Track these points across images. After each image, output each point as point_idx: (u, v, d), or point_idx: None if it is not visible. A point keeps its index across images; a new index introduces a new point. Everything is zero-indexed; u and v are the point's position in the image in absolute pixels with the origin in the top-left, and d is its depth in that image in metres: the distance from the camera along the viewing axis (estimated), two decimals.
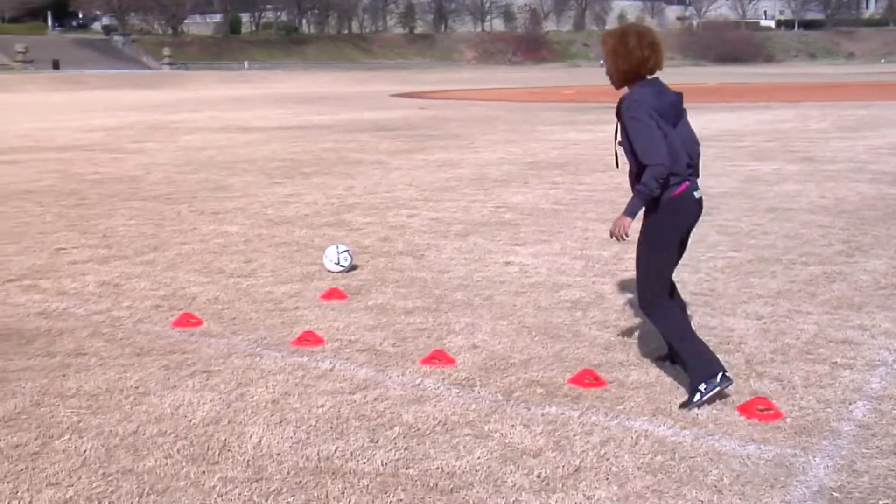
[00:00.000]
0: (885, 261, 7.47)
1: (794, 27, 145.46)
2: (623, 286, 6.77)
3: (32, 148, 18.81)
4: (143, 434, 4.17)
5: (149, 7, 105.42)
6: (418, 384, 4.78)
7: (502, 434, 4.14)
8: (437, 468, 3.81)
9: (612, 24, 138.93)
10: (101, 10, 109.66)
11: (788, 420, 4.26)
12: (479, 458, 3.90)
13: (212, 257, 7.97)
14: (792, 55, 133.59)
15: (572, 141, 18.75)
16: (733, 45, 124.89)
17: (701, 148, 4.66)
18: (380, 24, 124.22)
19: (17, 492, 3.62)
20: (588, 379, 4.74)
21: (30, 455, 3.95)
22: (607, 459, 3.88)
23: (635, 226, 4.50)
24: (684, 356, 4.54)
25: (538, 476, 3.73)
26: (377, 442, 4.06)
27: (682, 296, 6.42)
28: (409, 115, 28.86)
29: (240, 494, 3.59)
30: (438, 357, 5.12)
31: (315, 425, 4.25)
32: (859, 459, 3.87)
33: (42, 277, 7.29)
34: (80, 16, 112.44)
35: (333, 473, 3.77)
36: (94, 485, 3.67)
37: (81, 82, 64.11)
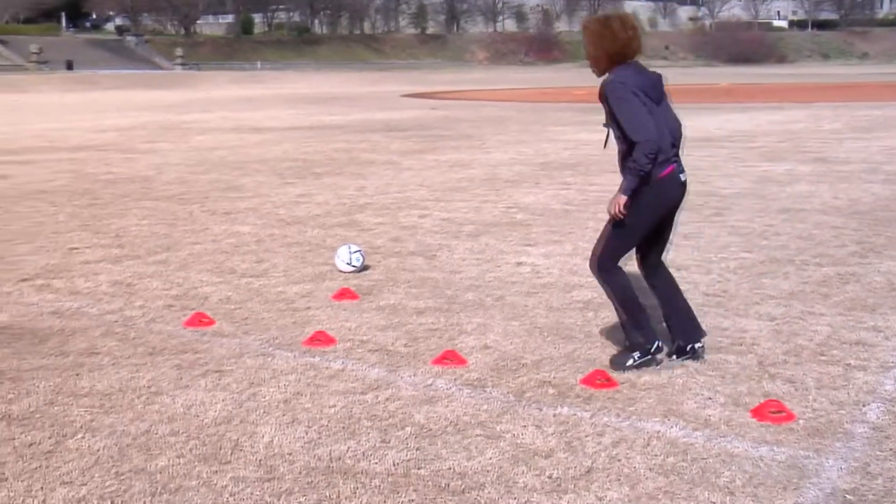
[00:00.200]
0: None
1: (807, 27, 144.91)
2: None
3: (46, 148, 18.89)
4: (156, 433, 4.18)
5: (161, 7, 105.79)
6: (430, 384, 4.78)
7: (514, 435, 4.14)
8: (449, 468, 3.81)
9: None
10: (114, 11, 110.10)
11: (801, 422, 4.24)
12: (490, 458, 3.90)
13: (224, 257, 7.99)
14: (805, 55, 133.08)
15: (584, 141, 18.73)
16: (746, 45, 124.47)
17: (685, 134, 4.83)
18: (392, 25, 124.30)
19: (30, 490, 3.63)
20: (600, 380, 4.73)
21: (43, 454, 3.97)
22: (619, 460, 3.87)
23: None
24: (624, 324, 4.89)
25: (550, 477, 3.73)
26: (388, 442, 4.07)
27: (694, 296, 6.42)
28: (420, 115, 28.87)
29: (251, 494, 3.60)
30: (450, 357, 5.12)
31: (326, 425, 4.25)
32: (873, 462, 3.85)
33: (55, 277, 7.32)
34: (94, 16, 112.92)
35: (345, 473, 3.77)
36: (107, 484, 3.69)
37: (94, 83, 64.37)
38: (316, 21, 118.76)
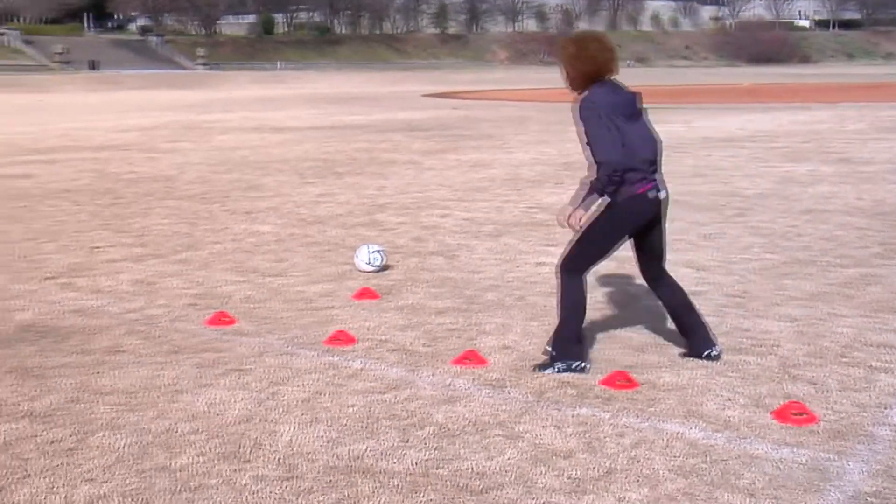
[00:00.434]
0: None
1: (830, 27, 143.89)
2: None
3: (70, 147, 19.04)
4: (177, 431, 4.20)
5: (183, 8, 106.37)
6: (449, 384, 4.78)
7: (533, 435, 4.13)
8: (468, 468, 3.81)
9: (645, 24, 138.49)
10: (137, 11, 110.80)
11: (823, 424, 4.21)
12: (510, 458, 3.90)
13: (245, 256, 8.02)
14: (828, 55, 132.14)
15: None
16: (768, 45, 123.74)
17: (663, 146, 4.93)
18: (412, 25, 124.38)
19: (53, 487, 3.66)
20: (620, 380, 4.72)
21: (66, 451, 4.00)
22: (639, 461, 3.86)
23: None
24: (560, 329, 4.91)
25: (569, 477, 3.72)
26: (408, 442, 4.07)
27: (716, 297, 6.39)
28: (441, 115, 28.89)
29: (271, 493, 3.61)
30: (470, 357, 5.11)
31: (346, 424, 4.26)
32: None
33: (78, 275, 7.38)
34: (117, 17, 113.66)
35: (364, 472, 3.78)
36: (129, 481, 3.71)
37: (117, 82, 64.80)
38: (337, 21, 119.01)
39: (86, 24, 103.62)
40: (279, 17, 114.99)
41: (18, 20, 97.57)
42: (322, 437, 4.13)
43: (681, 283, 6.87)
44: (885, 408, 4.40)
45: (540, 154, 16.47)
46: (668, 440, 4.06)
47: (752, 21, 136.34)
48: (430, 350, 5.35)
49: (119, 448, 4.02)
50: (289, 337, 5.66)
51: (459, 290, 6.74)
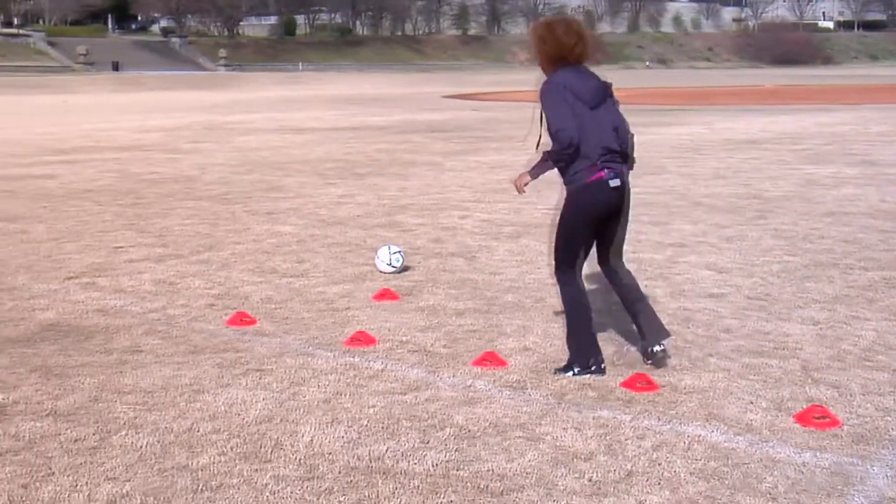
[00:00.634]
0: None
1: (854, 28, 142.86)
2: (676, 290, 6.70)
3: (92, 148, 19.17)
4: (198, 431, 4.22)
5: (205, 9, 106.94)
6: (469, 385, 4.78)
7: (554, 437, 4.12)
8: (488, 470, 3.81)
9: (666, 26, 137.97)
10: (160, 13, 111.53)
11: (846, 428, 4.18)
12: (530, 460, 3.89)
13: (265, 257, 8.05)
14: (852, 57, 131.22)
15: None
16: (791, 46, 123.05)
17: (633, 138, 4.91)
18: (433, 26, 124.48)
19: (76, 485, 3.69)
20: (640, 383, 4.70)
21: (88, 449, 4.03)
22: (660, 464, 3.84)
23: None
24: (569, 332, 4.93)
25: (590, 480, 3.71)
26: (428, 443, 4.07)
27: (737, 299, 6.36)
28: (462, 116, 28.90)
29: (292, 493, 3.62)
30: (490, 359, 5.11)
31: (366, 425, 4.27)
32: None
33: (100, 275, 7.43)
34: (140, 18, 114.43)
35: (384, 473, 3.78)
36: (150, 480, 3.73)
37: (140, 83, 65.21)
38: (358, 22, 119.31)
39: (109, 26, 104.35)
40: (301, 19, 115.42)
41: (43, 22, 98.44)
42: (342, 437, 4.14)
43: (702, 286, 6.87)
44: None
45: None
46: (688, 443, 4.04)
47: (774, 22, 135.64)
48: (450, 351, 5.35)
49: (141, 447, 4.04)
50: (309, 337, 5.68)
51: (479, 292, 6.73)
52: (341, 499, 3.58)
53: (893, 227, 9.02)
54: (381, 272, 7.30)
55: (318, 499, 3.58)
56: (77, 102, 43.06)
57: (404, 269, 7.38)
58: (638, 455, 3.93)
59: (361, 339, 5.52)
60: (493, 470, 3.81)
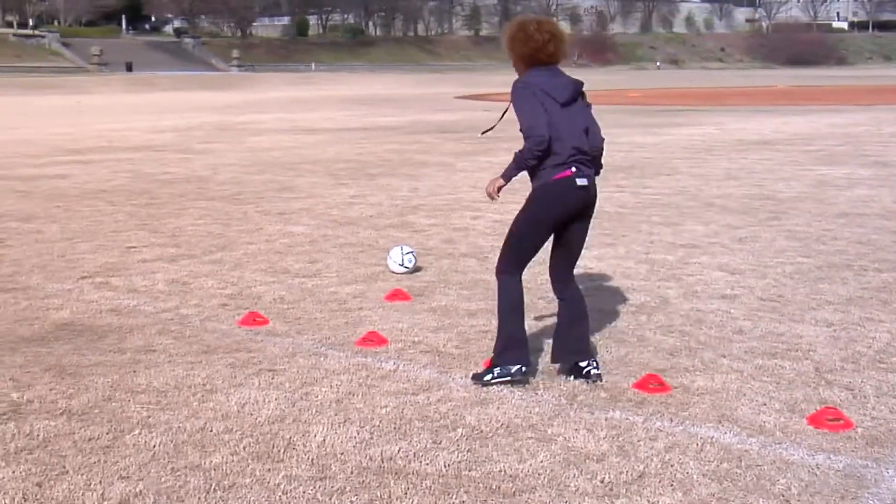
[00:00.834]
0: None
1: (868, 29, 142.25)
2: (689, 290, 6.68)
3: (106, 148, 19.25)
4: (210, 431, 4.23)
5: (218, 10, 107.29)
6: (481, 386, 4.77)
7: (565, 438, 4.12)
8: (500, 471, 3.81)
9: (679, 26, 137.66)
10: (173, 14, 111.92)
11: (859, 430, 4.16)
12: (542, 461, 3.89)
13: (277, 257, 8.07)
14: (865, 57, 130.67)
15: (637, 144, 18.59)
16: (804, 47, 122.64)
17: (603, 139, 4.87)
18: (445, 27, 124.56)
19: (90, 484, 3.70)
20: (652, 384, 4.69)
21: (102, 448, 4.04)
22: (672, 466, 3.83)
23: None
24: (499, 332, 4.77)
25: (601, 481, 3.71)
26: (440, 443, 4.08)
27: (749, 301, 6.34)
28: (473, 117, 28.89)
29: (304, 493, 3.63)
30: None
31: (378, 425, 4.28)
32: None
33: (114, 275, 7.45)
34: (153, 19, 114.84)
35: (396, 474, 3.79)
36: (163, 479, 3.75)
37: (153, 84, 65.43)
38: (370, 23, 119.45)
39: (122, 27, 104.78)
40: (313, 19, 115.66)
41: (57, 22, 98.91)
42: (354, 437, 4.14)
43: (714, 287, 6.85)
44: None
45: None
46: (701, 444, 4.03)
47: (787, 23, 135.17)
48: (462, 352, 5.36)
49: (153, 446, 4.06)
50: (321, 337, 5.69)
51: (491, 293, 6.71)
52: (353, 499, 3.58)
53: None
54: (393, 273, 7.30)
55: (330, 499, 3.58)
56: (91, 103, 43.25)
57: (416, 269, 7.38)
58: (650, 456, 3.92)
59: (373, 340, 5.53)
60: (504, 470, 3.81)
